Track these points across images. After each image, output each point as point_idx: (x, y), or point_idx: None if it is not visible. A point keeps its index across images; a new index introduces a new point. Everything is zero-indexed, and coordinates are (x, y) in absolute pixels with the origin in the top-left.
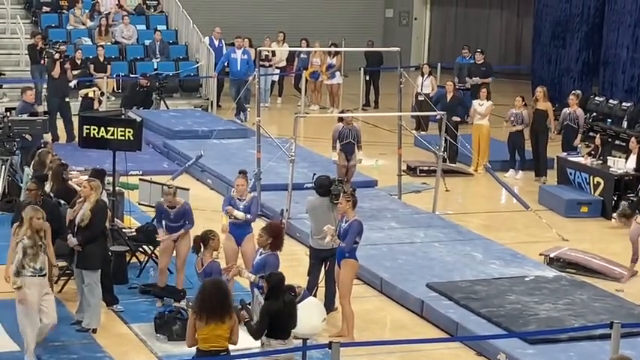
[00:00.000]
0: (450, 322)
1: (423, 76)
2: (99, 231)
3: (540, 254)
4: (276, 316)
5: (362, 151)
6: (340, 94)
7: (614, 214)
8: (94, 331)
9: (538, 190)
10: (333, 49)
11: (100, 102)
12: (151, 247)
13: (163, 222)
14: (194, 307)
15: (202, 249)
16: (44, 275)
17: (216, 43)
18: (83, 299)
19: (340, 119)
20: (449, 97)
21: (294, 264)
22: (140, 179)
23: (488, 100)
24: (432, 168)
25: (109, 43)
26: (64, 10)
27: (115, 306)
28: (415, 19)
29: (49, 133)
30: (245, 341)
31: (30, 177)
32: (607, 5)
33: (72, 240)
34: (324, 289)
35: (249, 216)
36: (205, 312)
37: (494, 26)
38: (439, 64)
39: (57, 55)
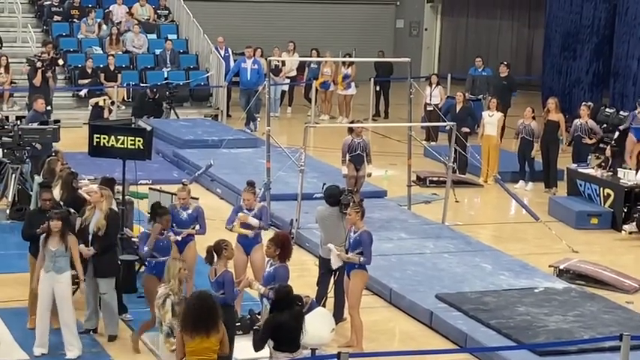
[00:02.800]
0: (459, 334)
1: (431, 86)
2: (115, 238)
3: (550, 266)
4: (282, 329)
5: (371, 164)
6: (351, 105)
7: (625, 226)
8: (115, 338)
9: (548, 202)
10: (347, 59)
11: (110, 111)
12: None
13: (174, 227)
14: (180, 322)
15: (216, 259)
16: None
17: (222, 52)
18: (93, 308)
19: (350, 131)
20: (458, 107)
21: (303, 274)
22: (150, 188)
23: (498, 112)
24: (441, 179)
25: (120, 52)
26: (74, 19)
27: (124, 315)
28: (426, 29)
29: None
30: (251, 352)
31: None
32: (617, 17)
33: (88, 249)
34: (333, 299)
35: (262, 223)
36: (190, 326)
37: (505, 37)
38: (449, 75)
39: (39, 64)
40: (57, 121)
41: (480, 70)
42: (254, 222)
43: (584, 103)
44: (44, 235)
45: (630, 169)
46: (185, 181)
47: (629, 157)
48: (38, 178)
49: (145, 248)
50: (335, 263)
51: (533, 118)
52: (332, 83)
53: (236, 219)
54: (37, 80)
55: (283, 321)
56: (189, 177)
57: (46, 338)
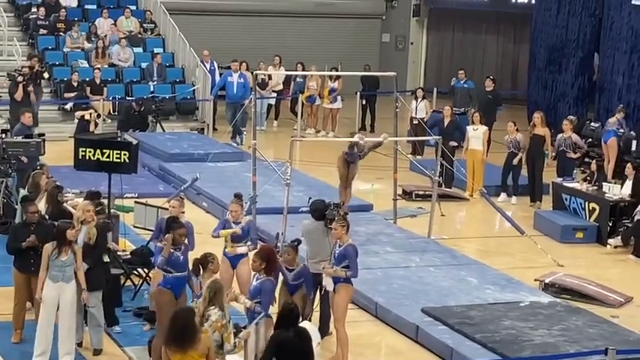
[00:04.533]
0: (444, 348)
1: (417, 100)
2: (104, 250)
3: (535, 280)
4: (286, 346)
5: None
6: (337, 119)
7: (610, 240)
8: (100, 352)
9: (533, 216)
10: (333, 73)
11: (96, 124)
12: (145, 269)
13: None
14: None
15: (202, 272)
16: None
17: (207, 65)
18: (79, 321)
19: (351, 147)
20: (446, 121)
21: None
22: (135, 202)
23: (482, 125)
24: (427, 192)
25: (106, 66)
26: (60, 33)
27: (113, 327)
28: (411, 43)
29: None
30: None
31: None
32: (602, 31)
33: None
34: (318, 313)
35: (251, 245)
36: (167, 340)
37: (490, 51)
38: (435, 89)
39: (20, 78)
40: (41, 135)
41: (462, 82)
42: (242, 250)
43: (567, 117)
44: (54, 245)
45: (614, 182)
46: (182, 196)
47: (607, 163)
48: (23, 192)
49: (160, 257)
50: (329, 285)
51: (517, 130)
52: (318, 97)
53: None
54: (19, 95)
55: (287, 338)
56: (175, 191)
57: (49, 348)
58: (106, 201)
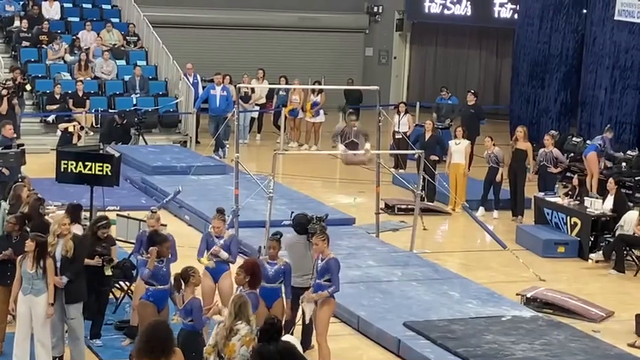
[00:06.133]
0: None
1: (399, 114)
2: (83, 262)
3: (517, 294)
4: None
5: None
6: (320, 132)
7: (591, 255)
8: None
9: (515, 230)
10: (316, 86)
11: (79, 137)
12: (127, 283)
13: (143, 255)
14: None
15: (183, 286)
16: None
17: (190, 79)
18: (60, 335)
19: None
20: (427, 135)
21: None
22: (117, 215)
23: (464, 139)
24: (409, 206)
25: (89, 78)
26: (43, 45)
27: (94, 340)
28: (395, 58)
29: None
30: None
31: (6, 211)
32: (585, 47)
33: (60, 278)
34: (300, 326)
35: (230, 258)
36: (138, 352)
37: (473, 66)
38: (418, 103)
39: (4, 92)
40: (21, 145)
41: (445, 99)
42: (224, 256)
43: (548, 132)
44: (20, 256)
45: (597, 197)
46: (154, 209)
47: (589, 178)
48: (5, 204)
49: (146, 270)
50: (309, 310)
51: (494, 144)
52: (301, 111)
53: (206, 251)
54: (3, 108)
55: (267, 352)
56: (157, 203)
57: None
58: (111, 216)
